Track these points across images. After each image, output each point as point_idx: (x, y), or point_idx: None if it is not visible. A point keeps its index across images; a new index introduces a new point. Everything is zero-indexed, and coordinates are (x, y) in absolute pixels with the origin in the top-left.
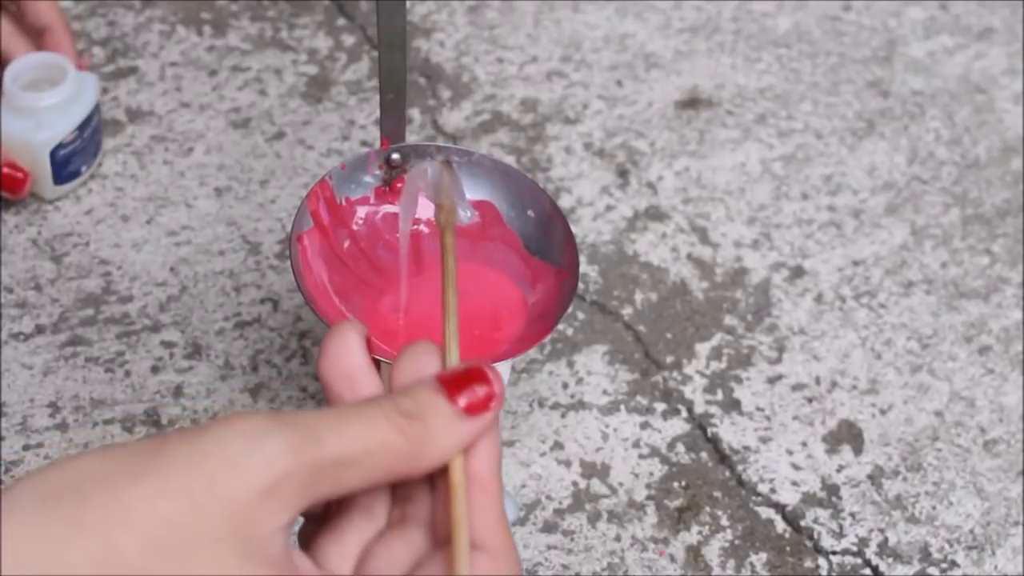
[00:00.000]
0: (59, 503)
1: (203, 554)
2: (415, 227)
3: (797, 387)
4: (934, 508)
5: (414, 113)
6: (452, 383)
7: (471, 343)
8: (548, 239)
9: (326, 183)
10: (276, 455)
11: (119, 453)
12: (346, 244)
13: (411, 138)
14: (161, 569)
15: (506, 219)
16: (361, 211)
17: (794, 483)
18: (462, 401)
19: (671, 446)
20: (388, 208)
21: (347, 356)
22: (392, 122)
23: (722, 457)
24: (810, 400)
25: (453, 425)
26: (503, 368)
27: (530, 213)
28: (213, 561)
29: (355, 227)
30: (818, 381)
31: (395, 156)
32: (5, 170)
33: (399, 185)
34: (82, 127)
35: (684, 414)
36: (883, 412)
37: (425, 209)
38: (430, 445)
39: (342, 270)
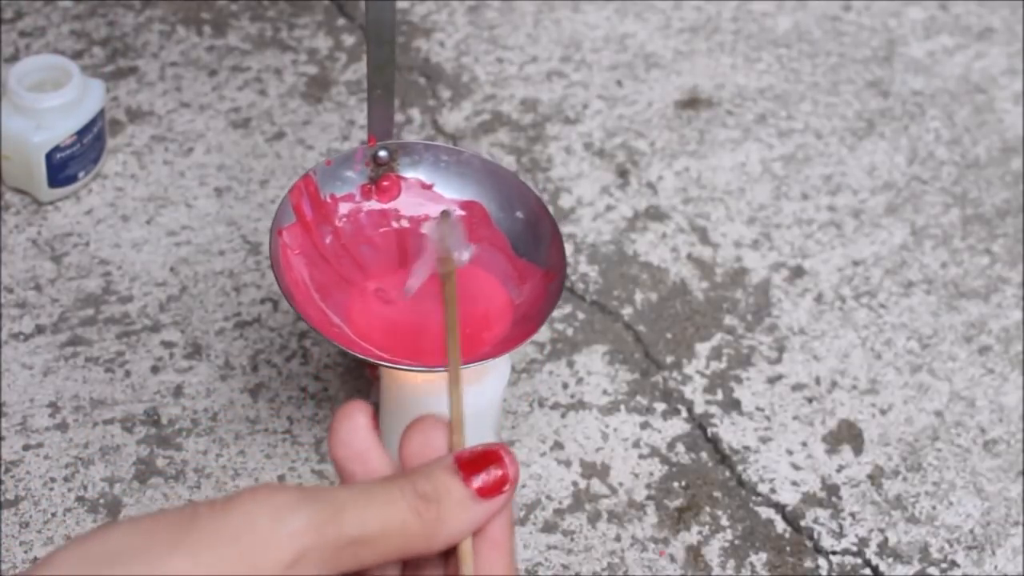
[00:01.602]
0: (99, 572)
1: None
2: (399, 224)
3: (797, 387)
4: (934, 508)
5: (414, 113)
6: (468, 465)
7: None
8: (536, 240)
9: (310, 178)
10: (301, 531)
11: (153, 525)
12: (328, 240)
13: (411, 138)
14: None
15: (494, 220)
16: (345, 208)
17: (794, 483)
18: (476, 483)
19: (671, 446)
20: (373, 205)
21: (357, 438)
22: (379, 118)
23: (722, 457)
24: (810, 400)
25: (466, 508)
26: (502, 367)
27: (519, 214)
28: None
29: (339, 224)
30: (818, 381)
31: (382, 153)
32: None
33: (385, 183)
34: (82, 132)
35: (684, 414)
36: (883, 412)
37: (413, 207)
38: (443, 528)
39: (324, 267)
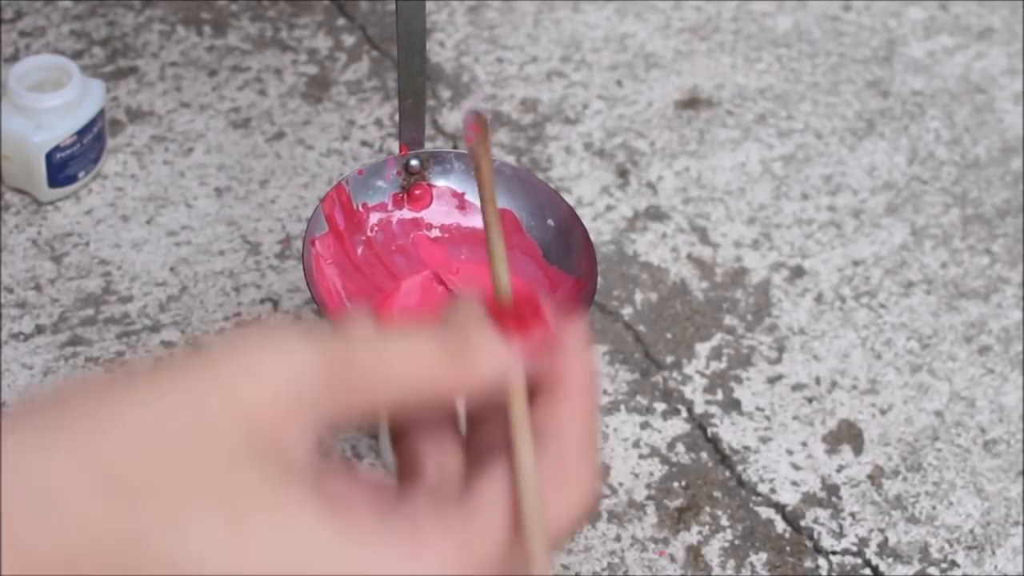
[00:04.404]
0: (42, 414)
1: (216, 468)
2: (431, 232)
3: (797, 387)
4: (934, 508)
5: None
6: (504, 315)
7: None
8: (567, 248)
9: (343, 188)
10: (305, 363)
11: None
12: (360, 250)
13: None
14: (163, 486)
15: (525, 228)
16: (377, 217)
17: (794, 483)
18: (514, 331)
19: (671, 446)
20: (405, 214)
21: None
22: (411, 128)
23: (722, 457)
24: (810, 400)
25: (497, 342)
26: None
27: (550, 222)
28: (229, 478)
29: (371, 233)
30: (818, 381)
31: (414, 163)
32: None
33: (417, 192)
34: (82, 132)
35: (684, 414)
36: (883, 412)
37: (445, 215)
38: (471, 358)
39: (356, 276)
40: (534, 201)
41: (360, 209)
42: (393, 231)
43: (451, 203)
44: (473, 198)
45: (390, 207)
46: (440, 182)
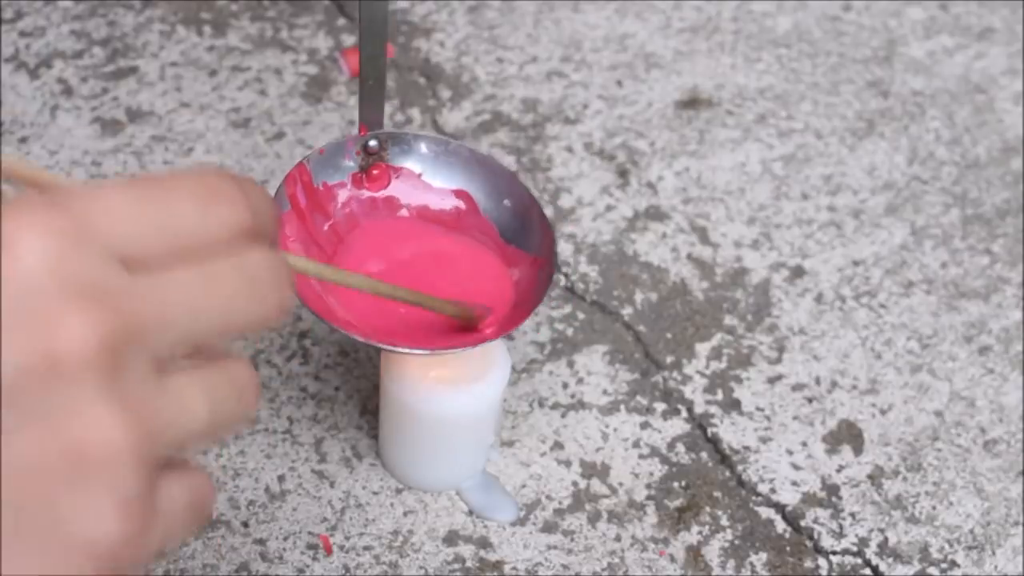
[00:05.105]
0: None
1: None
2: (388, 211)
3: (797, 387)
4: (934, 508)
5: (414, 113)
6: None
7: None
8: (524, 228)
9: (304, 167)
10: None
11: None
12: (325, 227)
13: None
14: None
15: (482, 209)
16: (338, 196)
17: (794, 483)
18: None
19: (671, 446)
20: (364, 193)
21: None
22: (371, 109)
23: (722, 457)
24: (810, 400)
25: None
26: (503, 367)
27: (506, 203)
28: None
29: (331, 211)
30: (818, 381)
31: (372, 143)
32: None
33: (375, 172)
34: None
35: (684, 414)
36: (883, 412)
37: (403, 195)
38: None
39: (318, 253)
40: (491, 183)
41: (321, 188)
42: (353, 209)
43: (409, 183)
44: (430, 178)
45: (349, 186)
46: (398, 162)
